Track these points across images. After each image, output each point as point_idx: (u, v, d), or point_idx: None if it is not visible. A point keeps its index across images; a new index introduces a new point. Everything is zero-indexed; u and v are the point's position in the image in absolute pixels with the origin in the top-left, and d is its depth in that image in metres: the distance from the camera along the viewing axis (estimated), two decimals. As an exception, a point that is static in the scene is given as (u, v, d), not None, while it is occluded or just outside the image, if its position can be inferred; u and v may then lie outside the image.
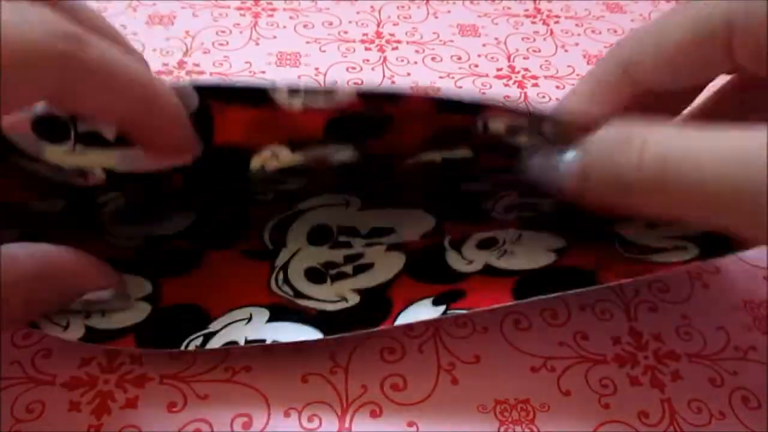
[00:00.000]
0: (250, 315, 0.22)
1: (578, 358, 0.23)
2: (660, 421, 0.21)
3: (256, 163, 0.21)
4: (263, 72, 0.33)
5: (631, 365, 0.23)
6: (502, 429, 0.21)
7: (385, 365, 0.22)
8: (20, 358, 0.21)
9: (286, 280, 0.23)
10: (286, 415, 0.20)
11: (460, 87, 0.33)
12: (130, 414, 0.20)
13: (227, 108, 0.19)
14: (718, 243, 0.20)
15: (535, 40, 0.38)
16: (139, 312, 0.21)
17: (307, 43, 0.36)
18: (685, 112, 0.24)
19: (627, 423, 0.21)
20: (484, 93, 0.33)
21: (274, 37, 0.36)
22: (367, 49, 0.36)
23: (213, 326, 0.21)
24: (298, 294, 0.22)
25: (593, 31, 0.39)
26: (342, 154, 0.21)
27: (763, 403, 0.22)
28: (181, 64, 0.33)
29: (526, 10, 0.41)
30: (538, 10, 0.41)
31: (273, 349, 0.21)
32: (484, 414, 0.21)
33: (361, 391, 0.21)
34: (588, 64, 0.36)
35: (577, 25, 0.40)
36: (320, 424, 0.20)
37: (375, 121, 0.20)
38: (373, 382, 0.22)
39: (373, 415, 0.21)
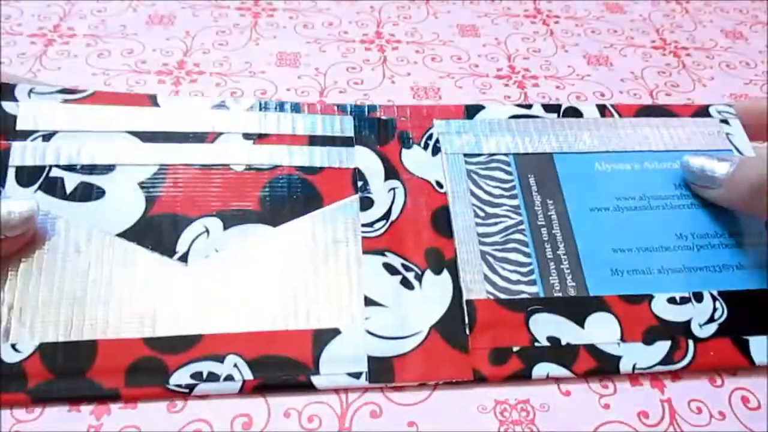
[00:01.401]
0: None
1: (578, 358, 0.23)
2: (660, 421, 0.21)
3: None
4: (263, 72, 0.33)
5: (631, 365, 0.23)
6: (502, 429, 0.21)
7: (385, 365, 0.22)
8: (20, 358, 0.21)
9: None
10: (286, 415, 0.20)
11: (460, 87, 0.33)
12: (130, 414, 0.20)
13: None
14: None
15: (535, 40, 0.38)
16: None
17: (308, 43, 0.36)
18: None
19: (627, 423, 0.21)
20: (484, 93, 0.33)
21: (274, 37, 0.36)
22: (367, 49, 0.36)
23: None
24: None
25: (593, 32, 0.39)
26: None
27: (763, 403, 0.22)
28: (181, 64, 0.33)
29: (526, 11, 0.41)
30: (538, 11, 0.41)
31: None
32: (484, 414, 0.21)
33: (361, 391, 0.21)
34: (588, 64, 0.36)
35: (577, 25, 0.40)
36: (320, 424, 0.20)
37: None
38: (373, 382, 0.22)
39: (373, 415, 0.21)
